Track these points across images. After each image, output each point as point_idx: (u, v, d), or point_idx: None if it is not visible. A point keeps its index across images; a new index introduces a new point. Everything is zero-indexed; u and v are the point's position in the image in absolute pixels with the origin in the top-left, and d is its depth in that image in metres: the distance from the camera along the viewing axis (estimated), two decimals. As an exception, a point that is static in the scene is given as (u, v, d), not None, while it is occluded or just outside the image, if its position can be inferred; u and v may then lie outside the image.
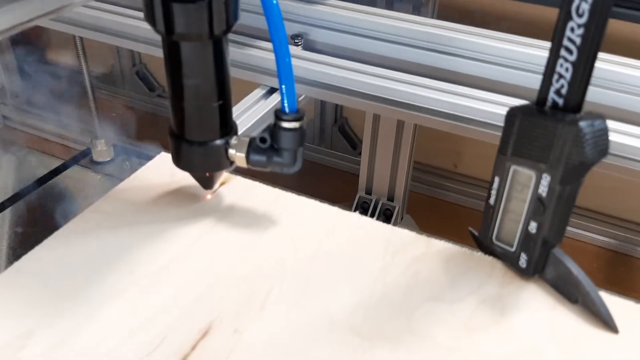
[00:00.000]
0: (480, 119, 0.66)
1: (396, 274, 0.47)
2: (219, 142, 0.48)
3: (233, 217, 0.51)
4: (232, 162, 0.49)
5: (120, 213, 0.51)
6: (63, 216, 1.05)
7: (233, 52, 0.75)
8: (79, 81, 1.16)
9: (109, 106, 1.35)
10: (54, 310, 0.42)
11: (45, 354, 0.40)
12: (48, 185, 1.15)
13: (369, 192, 1.08)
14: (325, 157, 1.27)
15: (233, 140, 0.49)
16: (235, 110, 0.72)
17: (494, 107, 0.66)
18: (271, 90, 0.76)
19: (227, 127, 0.49)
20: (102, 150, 1.20)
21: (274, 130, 0.47)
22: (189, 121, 0.47)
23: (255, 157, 0.48)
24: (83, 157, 1.23)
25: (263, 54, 0.75)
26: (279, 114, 0.46)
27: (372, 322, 0.43)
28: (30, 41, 1.33)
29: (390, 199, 1.06)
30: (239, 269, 0.46)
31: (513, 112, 0.43)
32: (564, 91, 0.40)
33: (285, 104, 0.46)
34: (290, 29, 0.78)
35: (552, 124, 0.40)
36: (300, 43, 0.77)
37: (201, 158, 0.49)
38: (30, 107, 1.32)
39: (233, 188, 0.55)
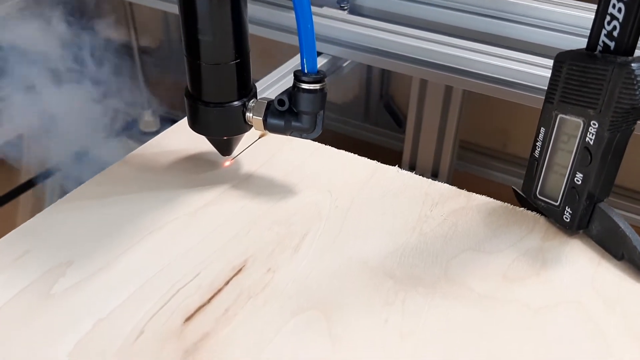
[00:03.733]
0: (530, 84, 0.64)
1: (434, 225, 0.46)
2: (236, 103, 0.46)
3: (271, 167, 0.51)
4: (250, 126, 0.47)
5: (158, 162, 0.52)
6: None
7: (277, 15, 0.75)
8: (128, 52, 1.18)
9: (157, 77, 1.37)
10: (93, 244, 0.43)
11: (84, 281, 0.40)
12: (96, 152, 1.18)
13: (412, 168, 1.06)
14: (370, 134, 1.26)
15: (251, 103, 0.46)
16: (276, 74, 0.72)
17: (543, 71, 0.63)
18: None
19: (246, 89, 0.46)
20: (148, 121, 1.22)
21: (293, 92, 0.44)
22: (204, 81, 0.45)
23: (273, 121, 0.46)
24: (130, 128, 1.25)
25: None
26: (298, 74, 0.44)
27: (406, 267, 0.42)
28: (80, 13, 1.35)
29: (435, 175, 1.05)
30: (274, 214, 0.46)
31: (561, 58, 0.41)
32: (615, 33, 0.38)
33: (305, 64, 0.43)
34: (337, -7, 0.77)
35: (602, 67, 0.38)
36: (346, 7, 0.76)
37: (218, 121, 0.47)
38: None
39: (272, 141, 0.54)
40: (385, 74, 1.22)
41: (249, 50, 0.46)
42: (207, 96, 0.46)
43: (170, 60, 1.48)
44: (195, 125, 0.48)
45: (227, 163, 0.52)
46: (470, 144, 1.18)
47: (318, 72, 0.44)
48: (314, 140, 0.54)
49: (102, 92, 1.20)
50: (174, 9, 0.84)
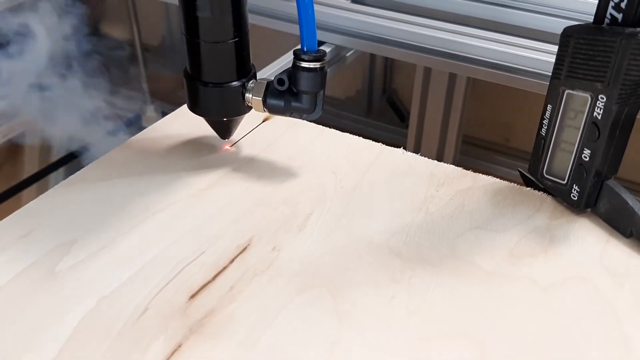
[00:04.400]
0: (535, 69, 0.64)
1: (440, 205, 0.45)
2: (235, 84, 0.45)
3: (276, 149, 0.51)
4: (249, 107, 0.47)
5: (160, 145, 0.52)
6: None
7: (284, 5, 0.75)
8: (130, 48, 1.18)
9: (159, 73, 1.37)
10: (97, 223, 0.43)
11: (88, 259, 0.40)
12: (97, 149, 1.17)
13: (416, 161, 1.06)
14: (372, 129, 1.25)
15: (250, 84, 0.46)
16: (281, 62, 0.72)
17: (548, 57, 0.63)
18: (318, 44, 0.75)
19: (245, 69, 0.46)
20: (151, 117, 1.22)
21: (292, 71, 0.44)
22: (203, 60, 0.45)
23: (273, 101, 0.45)
24: (132, 123, 1.25)
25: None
26: (297, 52, 0.43)
27: (413, 246, 0.42)
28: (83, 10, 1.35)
29: (438, 168, 1.04)
30: (279, 195, 0.46)
31: (568, 32, 0.41)
32: (623, 5, 0.38)
33: (304, 42, 0.43)
34: (340, -18, 0.77)
35: (610, 38, 0.38)
36: (350, -4, 0.76)
37: (217, 101, 0.46)
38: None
39: (276, 124, 0.54)
40: (387, 69, 1.22)
41: (247, 30, 0.45)
42: (206, 76, 0.45)
43: (173, 55, 1.48)
44: (194, 107, 0.48)
45: (227, 147, 0.51)
46: (473, 138, 1.18)
47: (318, 50, 0.43)
48: (319, 124, 0.54)
49: (104, 88, 1.20)
50: (176, 1, 0.84)
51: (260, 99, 0.45)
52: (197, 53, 0.45)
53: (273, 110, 0.46)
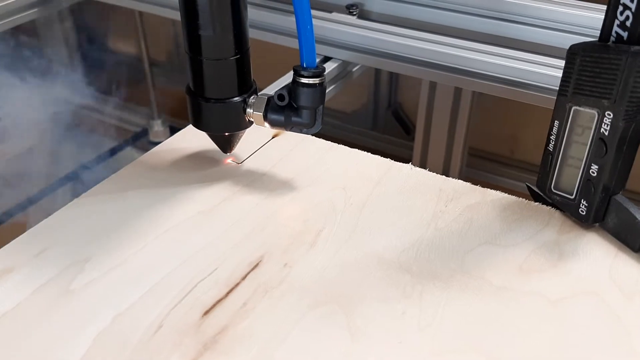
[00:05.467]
0: (540, 84, 0.64)
1: (449, 220, 0.46)
2: (236, 99, 0.47)
3: (285, 166, 0.52)
4: (250, 122, 0.48)
5: (171, 162, 0.52)
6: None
7: (287, 21, 0.76)
8: (138, 63, 1.19)
9: (167, 88, 1.38)
10: (110, 241, 0.44)
11: (102, 276, 0.40)
12: (106, 162, 1.18)
13: (422, 174, 1.06)
14: (378, 142, 1.26)
15: (251, 99, 0.47)
16: (288, 78, 0.72)
17: (554, 71, 0.64)
18: (325, 59, 0.76)
19: (246, 85, 0.47)
20: (158, 131, 1.23)
21: (292, 87, 0.45)
22: (205, 77, 0.46)
23: (274, 116, 0.46)
24: (139, 138, 1.26)
25: (316, 22, 0.74)
26: (297, 69, 0.44)
27: (422, 262, 0.42)
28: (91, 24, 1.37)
29: (444, 181, 1.05)
30: (290, 210, 0.47)
31: (574, 49, 0.41)
32: (628, 23, 0.38)
33: (304, 59, 0.44)
34: (346, -1, 0.78)
35: (616, 56, 0.38)
36: (355, 12, 0.77)
37: (218, 117, 0.48)
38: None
39: (286, 140, 0.55)
40: (393, 82, 1.23)
41: (248, 47, 0.47)
42: (208, 92, 0.47)
43: (180, 70, 1.49)
44: (196, 122, 0.49)
45: (229, 160, 0.52)
46: (478, 150, 1.18)
47: (317, 66, 0.45)
48: (328, 139, 0.55)
49: (111, 103, 1.21)
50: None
51: (261, 114, 0.47)
52: (199, 70, 0.46)
53: (274, 124, 0.47)
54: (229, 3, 0.43)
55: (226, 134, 0.49)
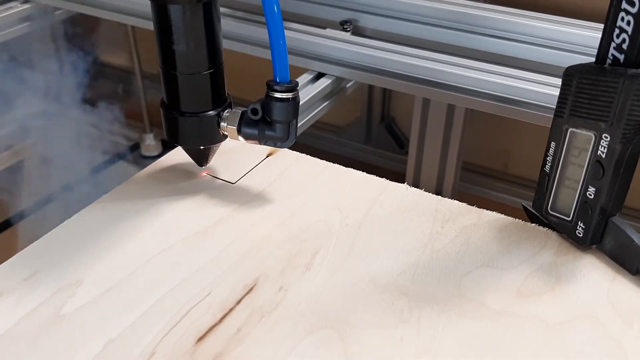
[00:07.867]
0: (533, 101, 0.64)
1: (445, 242, 0.45)
2: (211, 113, 0.47)
3: (280, 185, 0.51)
4: (225, 136, 0.48)
5: (165, 181, 0.52)
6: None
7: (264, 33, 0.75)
8: (130, 76, 1.19)
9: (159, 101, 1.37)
10: (102, 264, 0.43)
11: (94, 301, 0.40)
12: (96, 178, 1.17)
13: (415, 189, 1.06)
14: (371, 156, 1.26)
15: (225, 113, 0.47)
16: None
17: (548, 89, 0.64)
18: (318, 75, 0.75)
19: (220, 99, 0.47)
20: (150, 145, 1.22)
21: (265, 101, 0.45)
22: (179, 91, 0.46)
23: (247, 130, 0.46)
24: (131, 152, 1.25)
25: (310, 38, 0.74)
26: (270, 83, 0.45)
27: (419, 285, 0.41)
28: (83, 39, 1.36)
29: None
30: (284, 232, 0.46)
31: (570, 72, 0.41)
32: (625, 46, 0.38)
33: (277, 73, 0.44)
34: (340, 15, 0.78)
35: (613, 79, 0.38)
36: (349, 29, 0.77)
37: (193, 130, 0.48)
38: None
39: (280, 159, 0.54)
40: (386, 96, 1.23)
41: (222, 61, 0.47)
42: (182, 106, 0.47)
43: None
44: (171, 136, 0.49)
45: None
46: (472, 165, 1.18)
47: (290, 81, 0.45)
48: (323, 159, 0.54)
49: (103, 116, 1.20)
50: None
51: (235, 127, 0.47)
52: (173, 84, 0.46)
53: (248, 138, 0.47)
54: (202, 18, 0.44)
55: (201, 147, 0.49)
